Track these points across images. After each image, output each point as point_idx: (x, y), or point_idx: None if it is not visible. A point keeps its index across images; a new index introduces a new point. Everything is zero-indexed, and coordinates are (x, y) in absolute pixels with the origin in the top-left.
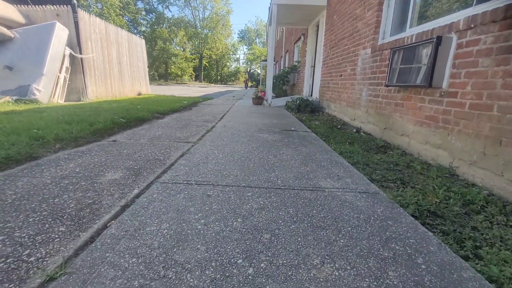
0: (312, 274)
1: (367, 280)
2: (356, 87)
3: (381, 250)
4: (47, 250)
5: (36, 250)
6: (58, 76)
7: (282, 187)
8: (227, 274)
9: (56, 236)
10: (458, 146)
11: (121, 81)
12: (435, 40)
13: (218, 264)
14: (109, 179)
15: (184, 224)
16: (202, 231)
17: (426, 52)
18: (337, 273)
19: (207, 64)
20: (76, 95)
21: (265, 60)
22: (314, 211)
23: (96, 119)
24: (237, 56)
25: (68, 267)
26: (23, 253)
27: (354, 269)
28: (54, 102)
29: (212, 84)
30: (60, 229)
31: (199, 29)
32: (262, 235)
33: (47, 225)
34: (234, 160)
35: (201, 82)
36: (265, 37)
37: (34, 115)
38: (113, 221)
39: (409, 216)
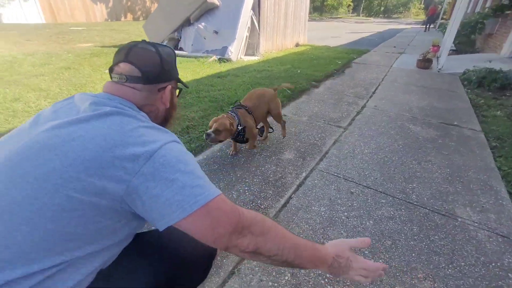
0: (413, 282)
1: None
2: None
3: None
4: (266, 205)
5: (261, 201)
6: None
7: (415, 203)
8: None
9: (269, 196)
10: None
11: (284, 34)
12: None
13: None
14: (286, 158)
15: (334, 212)
16: (344, 222)
17: None
18: None
19: None
20: (251, 50)
21: None
22: (436, 237)
23: None
24: None
25: (277, 216)
26: (256, 202)
27: None
28: (239, 60)
29: (371, 19)
30: (269, 192)
31: None
32: (385, 240)
33: (262, 187)
34: (377, 160)
35: (359, 16)
36: None
37: (235, 81)
38: (293, 195)
39: None
